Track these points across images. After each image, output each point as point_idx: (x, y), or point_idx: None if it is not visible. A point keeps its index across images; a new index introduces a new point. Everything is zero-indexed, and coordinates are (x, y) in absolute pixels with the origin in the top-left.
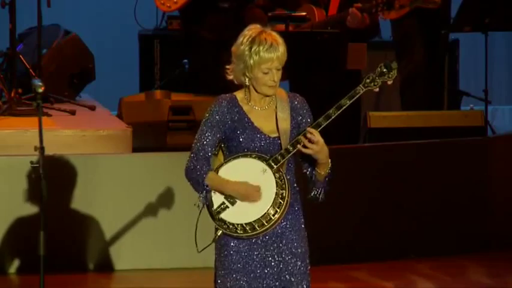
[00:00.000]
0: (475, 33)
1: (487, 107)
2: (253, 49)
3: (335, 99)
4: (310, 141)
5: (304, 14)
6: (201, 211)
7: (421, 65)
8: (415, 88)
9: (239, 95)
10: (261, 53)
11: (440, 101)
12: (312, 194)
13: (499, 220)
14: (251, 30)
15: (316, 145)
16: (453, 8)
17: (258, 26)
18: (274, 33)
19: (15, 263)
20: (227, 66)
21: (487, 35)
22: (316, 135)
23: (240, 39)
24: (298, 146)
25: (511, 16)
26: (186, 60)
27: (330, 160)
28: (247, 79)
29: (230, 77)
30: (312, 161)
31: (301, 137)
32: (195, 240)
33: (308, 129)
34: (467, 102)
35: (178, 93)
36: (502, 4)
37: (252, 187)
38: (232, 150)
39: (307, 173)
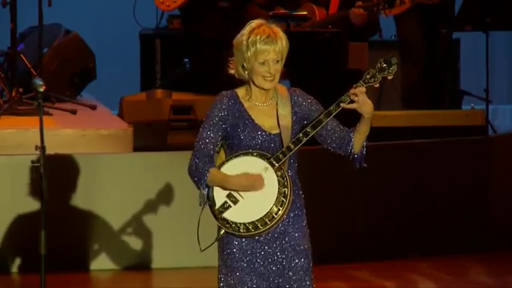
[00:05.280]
0: (475, 33)
1: (488, 106)
2: (250, 39)
3: (336, 99)
4: (351, 101)
5: (305, 13)
6: (202, 210)
7: (421, 63)
8: (416, 87)
9: (240, 92)
10: (258, 44)
11: (441, 100)
12: (357, 166)
13: (499, 220)
14: (253, 22)
15: (357, 102)
16: (457, 7)
17: (261, 20)
18: (276, 28)
19: (17, 262)
20: (230, 59)
21: (487, 34)
22: (359, 94)
23: (242, 31)
24: (342, 104)
25: (511, 15)
26: (187, 60)
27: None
28: (246, 72)
29: (232, 71)
30: (342, 140)
31: (345, 97)
32: (198, 239)
33: (351, 90)
34: (468, 102)
35: (179, 93)
36: (503, 3)
37: (254, 176)
38: (234, 147)
39: (342, 152)
